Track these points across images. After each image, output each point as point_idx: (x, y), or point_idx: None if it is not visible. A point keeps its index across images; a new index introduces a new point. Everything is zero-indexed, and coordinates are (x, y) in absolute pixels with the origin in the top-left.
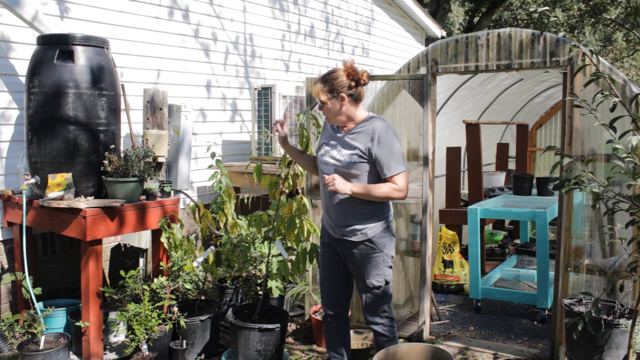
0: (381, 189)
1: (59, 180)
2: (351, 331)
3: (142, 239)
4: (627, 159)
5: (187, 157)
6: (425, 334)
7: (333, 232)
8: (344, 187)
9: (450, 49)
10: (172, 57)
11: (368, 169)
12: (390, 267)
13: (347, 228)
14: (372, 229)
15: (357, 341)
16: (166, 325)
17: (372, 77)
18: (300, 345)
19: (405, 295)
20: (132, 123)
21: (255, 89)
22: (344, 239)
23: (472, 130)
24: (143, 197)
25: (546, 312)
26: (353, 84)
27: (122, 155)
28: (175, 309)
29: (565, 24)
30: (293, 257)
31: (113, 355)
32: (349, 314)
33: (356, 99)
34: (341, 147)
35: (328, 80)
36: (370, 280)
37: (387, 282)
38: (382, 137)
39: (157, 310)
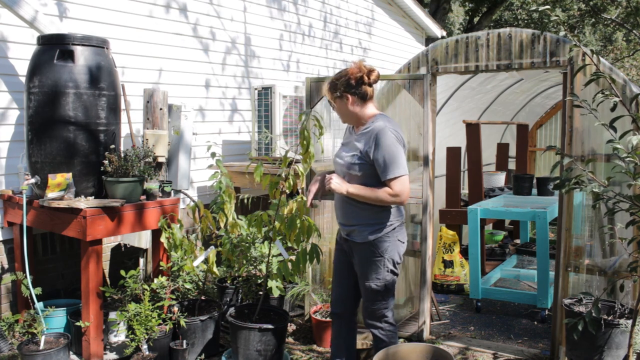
0: (376, 193)
1: (59, 180)
2: None
3: (142, 239)
4: (628, 158)
5: (187, 157)
6: (426, 334)
7: (342, 231)
8: (340, 186)
9: (450, 49)
10: (172, 57)
11: (369, 170)
12: (393, 272)
13: (350, 228)
14: (373, 233)
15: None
16: (166, 325)
17: None
18: (300, 345)
19: (405, 295)
20: (132, 123)
21: (256, 89)
22: (349, 239)
23: (472, 130)
24: (143, 197)
25: (546, 312)
26: (354, 83)
27: (122, 155)
28: (175, 309)
29: (565, 23)
30: (293, 257)
31: (113, 355)
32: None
33: (362, 98)
34: (349, 147)
35: (333, 81)
36: (369, 284)
37: (387, 288)
38: (380, 139)
39: (157, 310)
